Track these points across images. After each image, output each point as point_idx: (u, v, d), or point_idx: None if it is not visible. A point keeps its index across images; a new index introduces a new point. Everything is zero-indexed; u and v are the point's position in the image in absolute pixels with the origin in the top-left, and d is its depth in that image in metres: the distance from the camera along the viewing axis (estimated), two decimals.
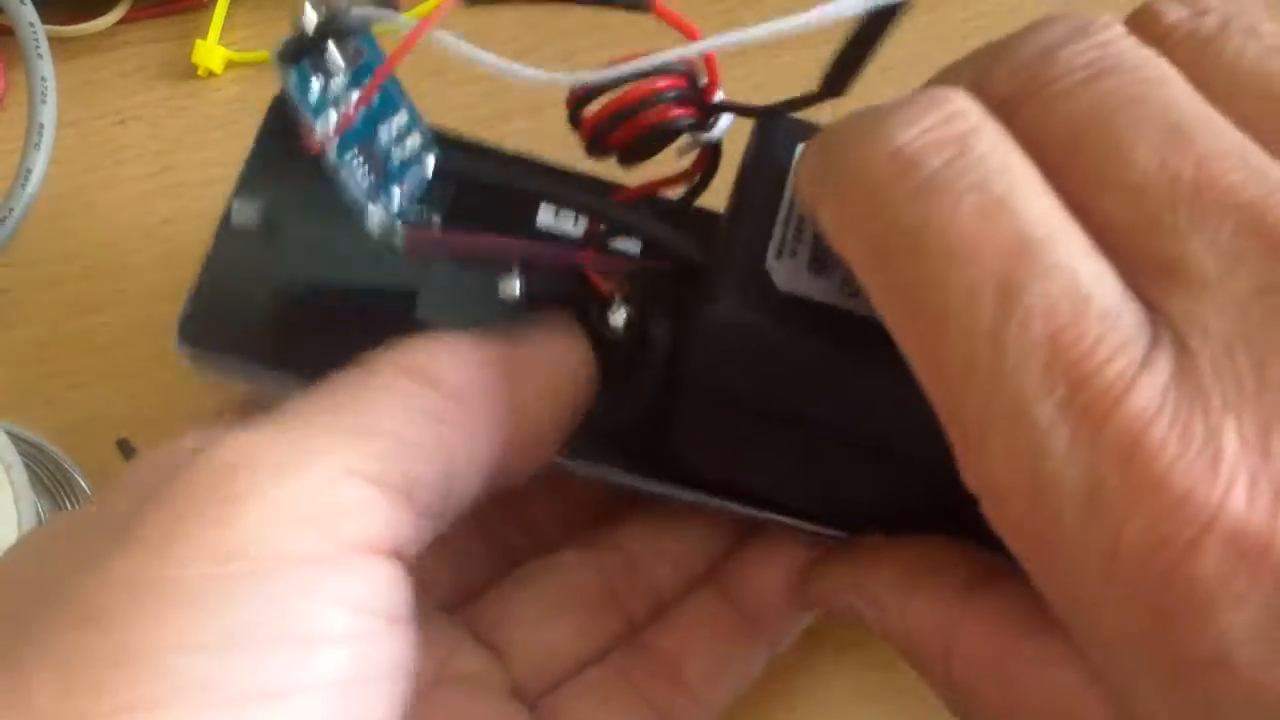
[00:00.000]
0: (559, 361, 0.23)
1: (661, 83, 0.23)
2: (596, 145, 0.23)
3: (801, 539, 0.25)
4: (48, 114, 0.32)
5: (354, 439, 0.19)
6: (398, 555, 0.19)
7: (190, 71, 0.34)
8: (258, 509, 0.17)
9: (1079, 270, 0.17)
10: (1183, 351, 0.16)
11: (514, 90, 0.34)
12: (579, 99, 0.23)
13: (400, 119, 0.23)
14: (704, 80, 0.23)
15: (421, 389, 0.20)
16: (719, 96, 0.24)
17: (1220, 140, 0.17)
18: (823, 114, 0.22)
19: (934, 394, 0.18)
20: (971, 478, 0.18)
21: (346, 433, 0.19)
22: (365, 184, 0.23)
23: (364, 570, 0.18)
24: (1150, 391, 0.16)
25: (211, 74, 0.34)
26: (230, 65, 0.34)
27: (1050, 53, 0.18)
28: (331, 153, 0.22)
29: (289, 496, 0.18)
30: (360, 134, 0.23)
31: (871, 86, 0.22)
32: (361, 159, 0.23)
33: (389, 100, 0.23)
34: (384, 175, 0.23)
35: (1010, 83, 0.19)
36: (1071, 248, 0.17)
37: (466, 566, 0.27)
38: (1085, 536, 0.16)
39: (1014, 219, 0.17)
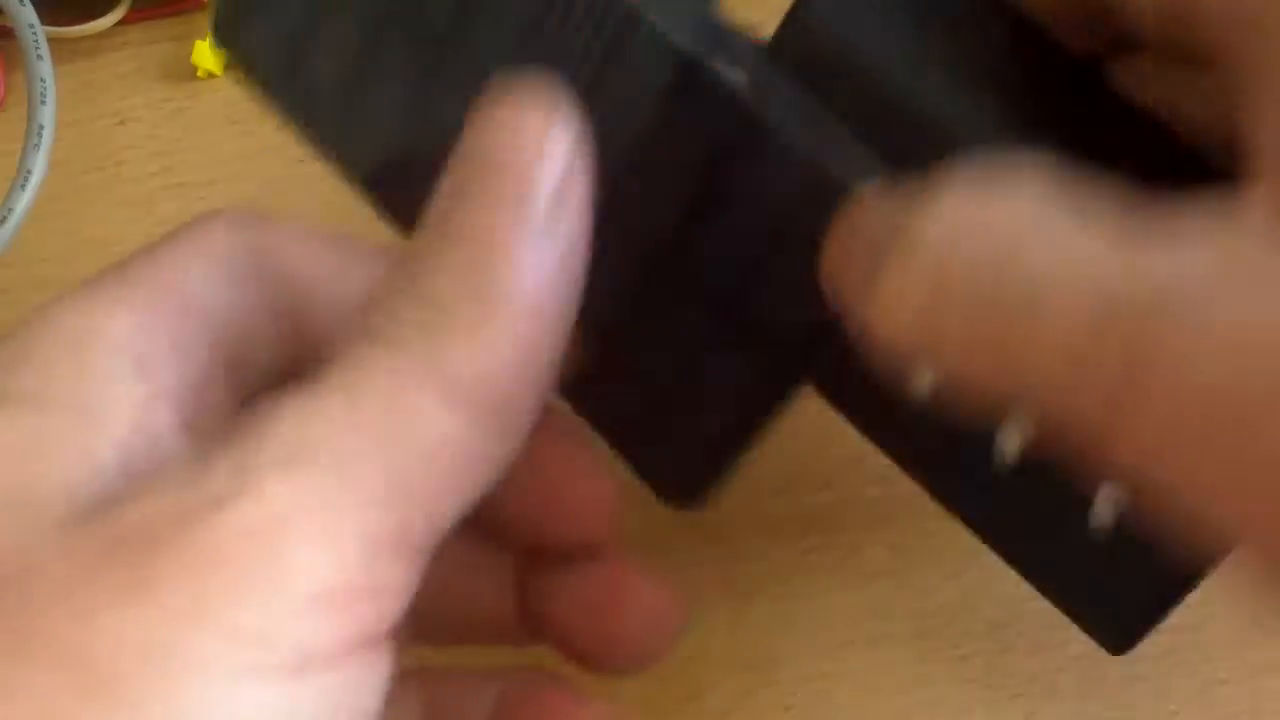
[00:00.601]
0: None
1: None
2: None
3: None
4: (47, 115, 0.32)
5: (386, 493, 0.17)
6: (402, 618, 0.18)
7: (190, 72, 0.34)
8: (283, 592, 0.17)
9: None
10: None
11: None
12: None
13: None
14: None
15: (465, 424, 0.18)
16: None
17: None
18: None
19: None
20: None
21: (378, 485, 0.17)
22: None
23: (364, 674, 0.18)
24: None
25: (211, 75, 0.34)
26: (230, 66, 0.34)
27: None
28: None
29: (314, 574, 0.17)
30: None
31: None
32: None
33: None
34: None
35: None
36: None
37: None
38: None
39: None
